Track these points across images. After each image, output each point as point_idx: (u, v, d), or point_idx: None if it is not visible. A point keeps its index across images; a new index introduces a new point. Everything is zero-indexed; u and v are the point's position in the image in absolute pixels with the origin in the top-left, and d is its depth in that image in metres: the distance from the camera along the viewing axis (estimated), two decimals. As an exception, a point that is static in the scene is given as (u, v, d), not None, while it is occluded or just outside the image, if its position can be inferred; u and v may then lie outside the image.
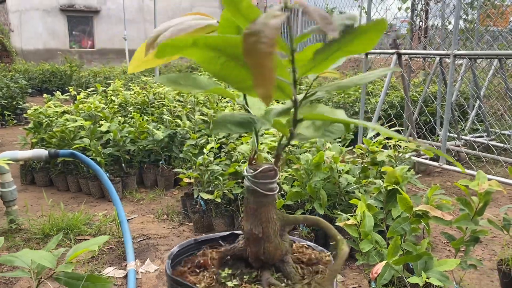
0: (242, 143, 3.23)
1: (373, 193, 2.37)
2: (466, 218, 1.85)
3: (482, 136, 4.92)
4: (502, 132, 4.61)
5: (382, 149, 2.79)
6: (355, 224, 1.97)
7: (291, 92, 0.67)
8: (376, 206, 2.13)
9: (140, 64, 0.67)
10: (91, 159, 3.53)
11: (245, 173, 0.96)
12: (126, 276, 2.45)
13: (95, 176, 3.64)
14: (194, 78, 0.70)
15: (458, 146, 4.48)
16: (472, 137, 4.76)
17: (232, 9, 0.57)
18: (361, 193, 2.46)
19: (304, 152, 3.00)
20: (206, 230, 3.09)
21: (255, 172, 0.90)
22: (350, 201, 2.28)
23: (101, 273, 2.53)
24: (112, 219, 3.21)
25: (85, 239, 2.98)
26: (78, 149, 3.67)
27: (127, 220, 3.09)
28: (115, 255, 2.77)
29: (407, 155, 2.79)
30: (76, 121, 3.90)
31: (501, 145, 4.43)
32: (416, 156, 4.16)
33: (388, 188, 2.10)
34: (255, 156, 1.01)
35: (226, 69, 0.59)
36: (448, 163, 3.75)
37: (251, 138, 3.15)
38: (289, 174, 2.87)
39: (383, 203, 2.16)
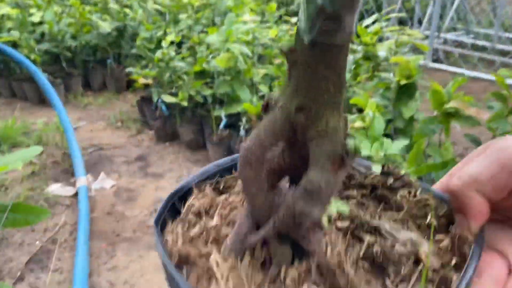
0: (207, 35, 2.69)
1: (374, 91, 1.99)
2: (501, 117, 1.51)
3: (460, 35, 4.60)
4: (483, 31, 4.29)
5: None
6: (363, 127, 1.60)
7: None
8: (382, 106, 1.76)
9: None
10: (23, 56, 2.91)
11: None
12: (76, 194, 2.03)
13: (31, 77, 3.01)
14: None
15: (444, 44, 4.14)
16: (456, 35, 4.43)
17: None
18: (359, 90, 2.07)
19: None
20: (170, 139, 2.65)
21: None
22: (349, 101, 1.89)
23: (45, 192, 2.08)
24: (55, 127, 2.69)
25: (22, 152, 2.48)
26: (6, 44, 3.00)
27: (74, 128, 2.59)
28: (61, 169, 2.31)
29: (405, 49, 2.39)
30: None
31: (486, 43, 4.13)
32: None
33: (401, 83, 1.71)
34: None
35: None
36: (434, 61, 3.42)
37: (219, 29, 2.61)
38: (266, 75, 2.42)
39: (391, 102, 1.79)
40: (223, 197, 0.44)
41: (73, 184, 2.14)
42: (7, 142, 2.52)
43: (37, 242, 1.76)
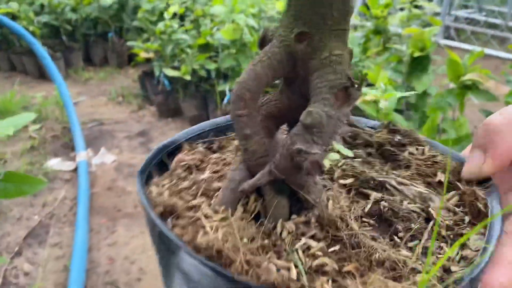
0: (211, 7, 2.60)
1: (385, 65, 1.92)
2: (520, 91, 1.44)
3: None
4: (497, 8, 4.16)
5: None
6: (374, 101, 1.53)
7: None
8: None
9: None
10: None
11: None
12: (76, 169, 1.97)
13: (30, 51, 2.93)
14: None
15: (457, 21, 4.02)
16: (468, 12, 4.30)
17: None
18: (369, 64, 1.99)
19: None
20: (173, 115, 2.59)
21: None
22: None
23: (44, 166, 2.03)
24: (54, 101, 2.63)
25: (22, 126, 2.42)
26: (5, 16, 2.92)
27: (74, 103, 2.52)
28: (61, 144, 2.25)
29: (415, 26, 2.30)
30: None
31: (499, 21, 4.01)
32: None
33: (414, 55, 1.64)
34: None
35: None
36: (445, 38, 3.32)
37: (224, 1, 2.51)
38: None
39: (404, 75, 1.71)
40: (216, 155, 0.40)
41: (73, 159, 2.08)
42: (6, 116, 2.46)
43: (36, 217, 1.72)
